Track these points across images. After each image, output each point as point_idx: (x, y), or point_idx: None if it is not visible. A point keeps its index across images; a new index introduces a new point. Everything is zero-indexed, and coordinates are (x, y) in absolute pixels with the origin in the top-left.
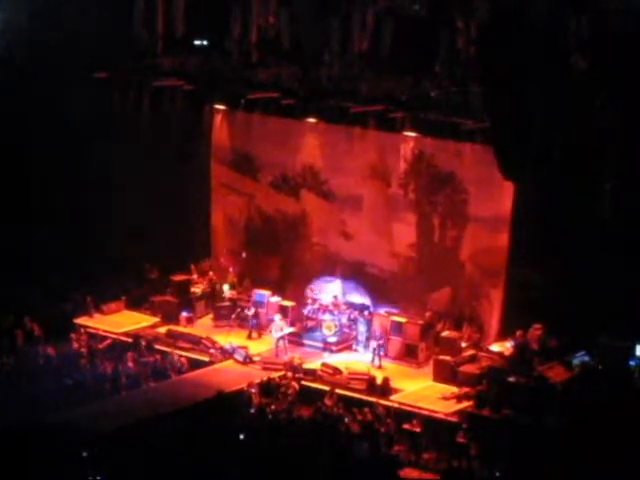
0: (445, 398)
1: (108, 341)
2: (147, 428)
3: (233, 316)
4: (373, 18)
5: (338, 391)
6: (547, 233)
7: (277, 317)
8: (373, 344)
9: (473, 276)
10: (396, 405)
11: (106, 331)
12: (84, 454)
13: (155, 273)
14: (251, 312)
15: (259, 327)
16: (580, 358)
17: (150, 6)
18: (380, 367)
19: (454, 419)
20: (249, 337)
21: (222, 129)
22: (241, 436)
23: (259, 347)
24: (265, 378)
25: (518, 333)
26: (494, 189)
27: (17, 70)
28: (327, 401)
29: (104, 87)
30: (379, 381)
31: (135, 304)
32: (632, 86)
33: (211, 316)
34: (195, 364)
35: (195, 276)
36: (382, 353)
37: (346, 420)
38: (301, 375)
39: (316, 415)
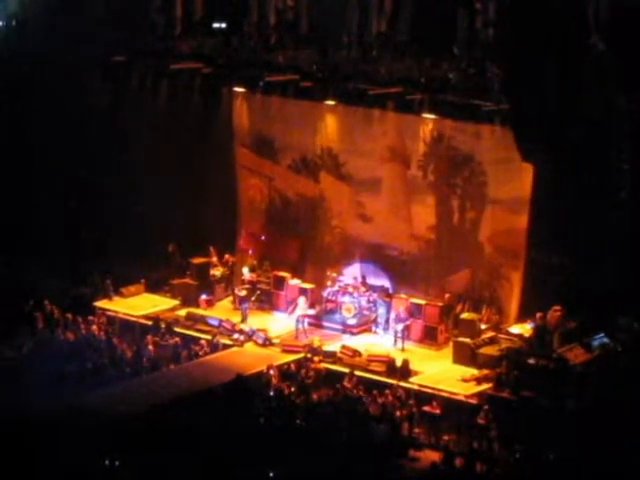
0: (465, 380)
1: None
2: (166, 411)
3: (253, 298)
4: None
5: (358, 373)
6: (566, 214)
7: (301, 300)
8: (394, 326)
9: (492, 258)
10: (416, 387)
11: (126, 314)
12: (103, 437)
13: (177, 254)
14: (242, 293)
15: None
16: (600, 340)
17: None
18: (403, 349)
19: (474, 401)
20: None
21: (241, 112)
22: (261, 419)
23: (278, 330)
24: (284, 361)
25: (538, 315)
26: (513, 171)
27: (34, 54)
28: (347, 383)
29: (122, 70)
30: (399, 363)
31: (155, 287)
32: None
33: (230, 299)
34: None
35: (215, 259)
36: (405, 335)
37: (365, 400)
38: (321, 357)
39: (335, 397)
